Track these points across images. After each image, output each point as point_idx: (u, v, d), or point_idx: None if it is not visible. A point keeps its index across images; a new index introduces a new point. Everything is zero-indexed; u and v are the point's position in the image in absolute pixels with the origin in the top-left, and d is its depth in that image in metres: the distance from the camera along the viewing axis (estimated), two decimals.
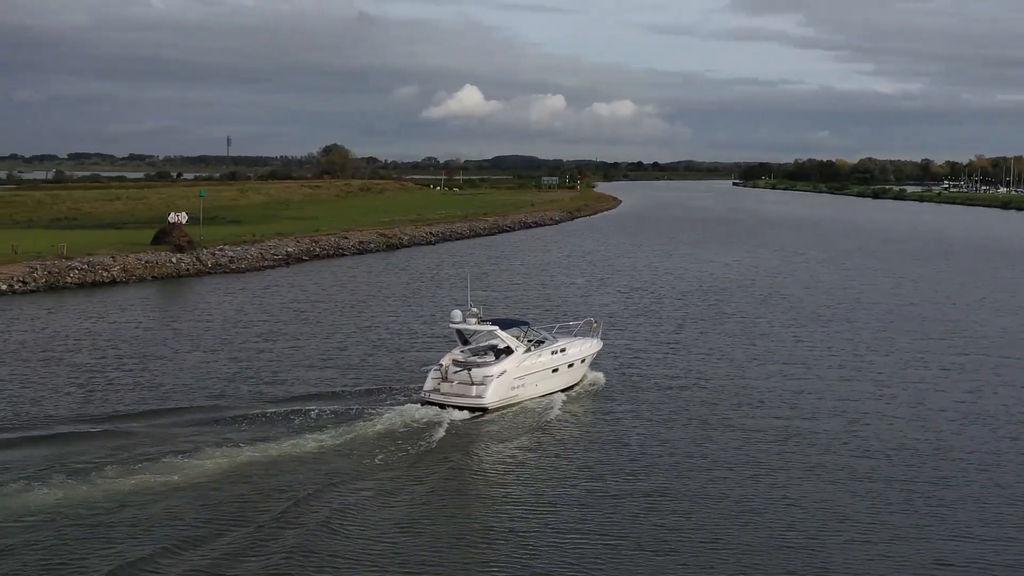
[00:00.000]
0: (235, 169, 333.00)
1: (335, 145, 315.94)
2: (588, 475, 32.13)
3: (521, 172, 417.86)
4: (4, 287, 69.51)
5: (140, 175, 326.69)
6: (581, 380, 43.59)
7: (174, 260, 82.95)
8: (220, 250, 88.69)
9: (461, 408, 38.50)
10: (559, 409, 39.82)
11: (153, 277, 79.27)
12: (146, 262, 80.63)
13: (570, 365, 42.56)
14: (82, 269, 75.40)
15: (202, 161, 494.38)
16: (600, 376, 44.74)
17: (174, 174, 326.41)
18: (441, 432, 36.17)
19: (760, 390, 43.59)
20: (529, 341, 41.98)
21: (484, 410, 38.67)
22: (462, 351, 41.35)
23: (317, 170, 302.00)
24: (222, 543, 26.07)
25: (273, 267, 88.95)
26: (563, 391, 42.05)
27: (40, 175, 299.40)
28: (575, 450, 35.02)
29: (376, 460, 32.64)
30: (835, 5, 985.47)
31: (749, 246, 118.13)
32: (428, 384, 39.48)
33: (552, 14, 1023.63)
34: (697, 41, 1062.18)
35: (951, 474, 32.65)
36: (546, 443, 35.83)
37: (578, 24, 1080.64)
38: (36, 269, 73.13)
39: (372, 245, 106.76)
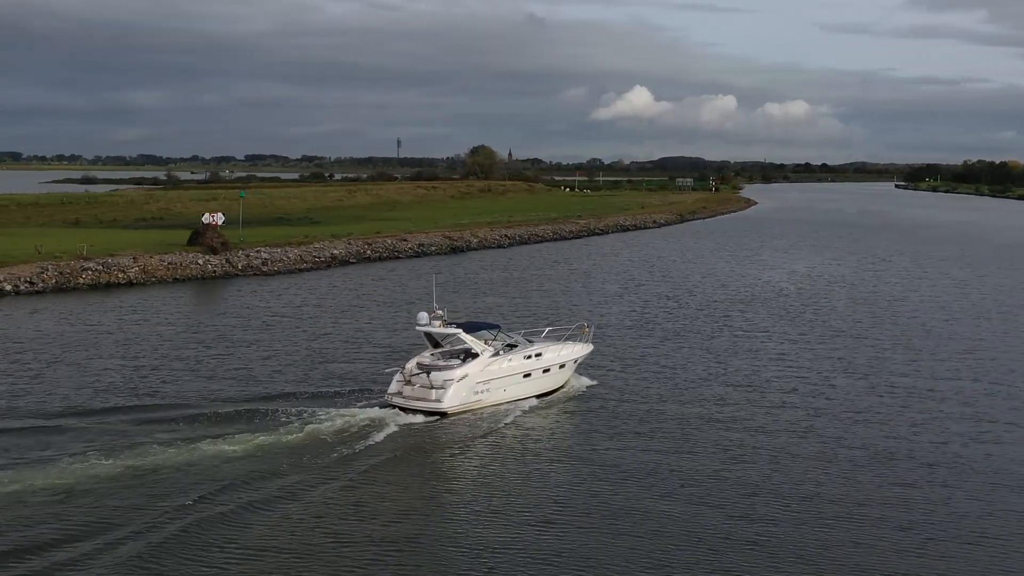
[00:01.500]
0: (387, 169, 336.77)
1: (482, 146, 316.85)
2: (532, 483, 31.15)
3: (684, 174, 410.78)
4: (8, 288, 69.79)
5: (294, 175, 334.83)
6: (563, 385, 42.72)
7: (200, 262, 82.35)
8: (256, 252, 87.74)
9: (421, 412, 38.22)
10: (524, 415, 39.15)
11: (175, 279, 78.66)
12: (169, 263, 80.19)
13: (545, 370, 41.64)
14: (96, 270, 75.28)
15: (369, 163, 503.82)
16: (585, 382, 43.82)
17: (327, 175, 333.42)
18: (385, 435, 35.77)
19: (748, 409, 40.45)
20: (506, 345, 41.43)
21: (443, 414, 38.31)
22: (432, 354, 40.95)
23: (464, 171, 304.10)
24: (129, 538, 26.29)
25: (310, 270, 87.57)
26: (539, 396, 41.25)
27: (199, 175, 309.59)
28: (523, 458, 33.84)
29: (304, 460, 32.48)
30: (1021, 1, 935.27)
31: (838, 252, 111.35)
32: (392, 387, 39.51)
33: (725, 14, 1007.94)
34: (875, 39, 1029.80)
35: None
36: (495, 449, 35.06)
37: (752, 24, 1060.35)
38: (47, 270, 73.32)
39: (433, 248, 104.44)
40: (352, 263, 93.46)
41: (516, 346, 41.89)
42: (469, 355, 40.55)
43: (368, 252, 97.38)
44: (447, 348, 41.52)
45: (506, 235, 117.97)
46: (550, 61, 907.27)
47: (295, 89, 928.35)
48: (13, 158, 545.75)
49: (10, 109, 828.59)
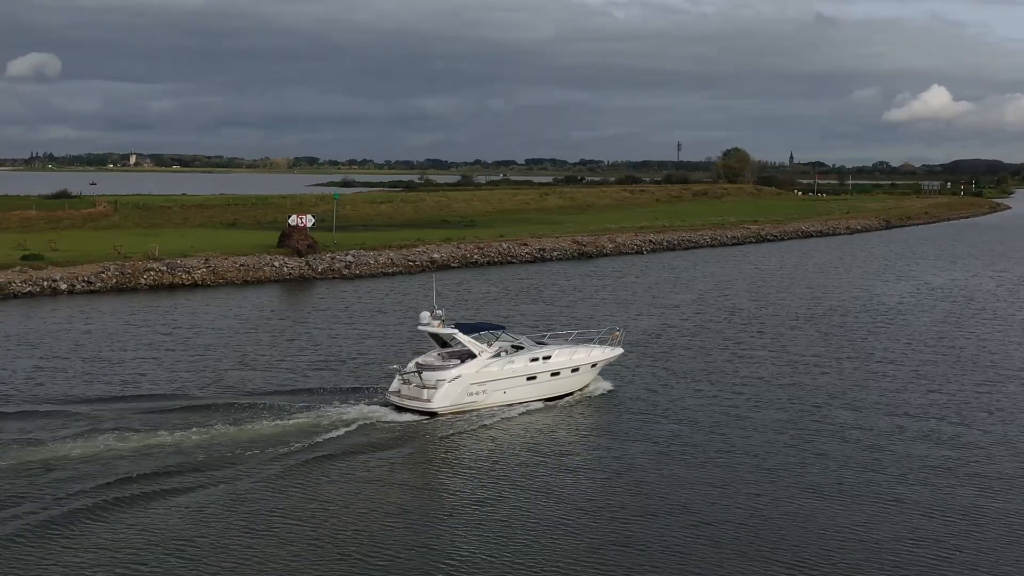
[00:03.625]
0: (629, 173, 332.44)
1: (735, 149, 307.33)
2: (506, 492, 30.17)
3: (978, 177, 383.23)
4: (64, 287, 71.25)
5: (548, 179, 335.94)
6: (579, 390, 41.86)
7: (276, 264, 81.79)
8: (342, 255, 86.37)
9: (414, 411, 38.22)
10: (517, 418, 38.59)
11: (245, 281, 78.29)
12: (240, 265, 79.92)
13: (554, 374, 40.79)
14: (159, 271, 75.87)
15: (644, 166, 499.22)
16: (605, 387, 42.74)
17: (580, 178, 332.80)
18: (352, 430, 35.95)
19: (772, 425, 37.65)
20: (512, 347, 40.73)
21: (433, 414, 38.10)
22: (439, 354, 40.81)
23: (714, 174, 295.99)
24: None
25: (400, 274, 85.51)
26: (547, 400, 40.59)
27: (452, 179, 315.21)
28: (509, 463, 32.98)
29: (280, 450, 33.24)
30: None
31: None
32: (393, 386, 39.67)
33: None
34: None
35: None
36: (469, 451, 34.59)
37: None
38: (108, 269, 74.43)
39: (555, 253, 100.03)
40: (454, 267, 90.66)
41: (522, 348, 40.88)
42: (463, 356, 40.09)
43: (475, 257, 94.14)
44: (455, 349, 40.66)
45: (650, 240, 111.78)
46: (840, 61, 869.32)
47: (578, 94, 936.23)
48: (309, 162, 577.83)
49: (312, 116, 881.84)
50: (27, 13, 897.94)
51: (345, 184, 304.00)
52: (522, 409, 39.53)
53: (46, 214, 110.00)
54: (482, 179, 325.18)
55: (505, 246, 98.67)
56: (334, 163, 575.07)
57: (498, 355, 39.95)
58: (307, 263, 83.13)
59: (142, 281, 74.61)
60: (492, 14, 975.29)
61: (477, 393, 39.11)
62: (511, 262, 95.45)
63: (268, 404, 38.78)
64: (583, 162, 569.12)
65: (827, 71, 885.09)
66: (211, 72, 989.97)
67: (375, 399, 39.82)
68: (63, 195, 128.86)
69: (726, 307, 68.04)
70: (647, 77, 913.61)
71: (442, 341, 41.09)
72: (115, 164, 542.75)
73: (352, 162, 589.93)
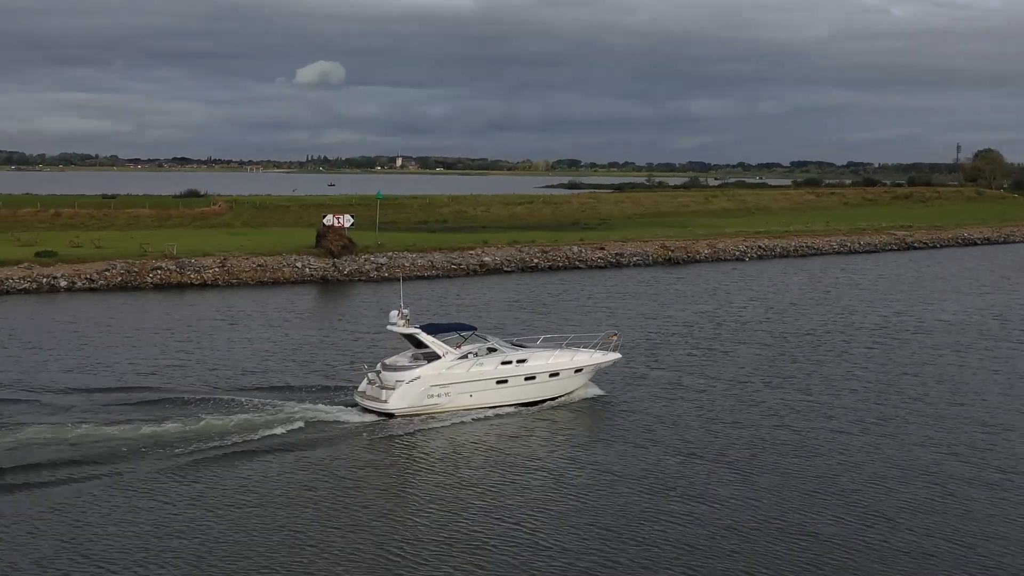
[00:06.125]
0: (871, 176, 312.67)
1: (988, 150, 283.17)
2: (443, 502, 28.73)
3: None
4: (64, 284, 71.24)
5: (783, 182, 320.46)
6: (563, 396, 39.91)
7: (299, 265, 79.19)
8: (375, 256, 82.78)
9: (373, 412, 37.53)
10: (476, 423, 36.93)
11: (260, 283, 76.12)
12: (258, 265, 77.76)
13: (528, 378, 38.95)
14: (167, 270, 74.70)
15: (914, 168, 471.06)
16: (594, 392, 40.71)
17: (823, 182, 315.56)
18: (310, 431, 35.50)
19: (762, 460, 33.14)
20: (485, 348, 39.27)
21: (390, 415, 37.28)
22: (412, 355, 39.64)
23: (960, 177, 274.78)
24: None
25: (440, 277, 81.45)
26: (523, 405, 38.85)
27: (679, 181, 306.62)
28: (436, 469, 31.87)
29: (209, 445, 33.25)
30: None
31: None
32: (361, 386, 39.11)
33: None
34: None
35: None
36: (411, 458, 33.24)
37: None
38: (115, 267, 73.91)
39: (635, 259, 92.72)
40: (507, 272, 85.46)
41: (495, 351, 39.29)
42: (430, 357, 38.98)
43: (536, 261, 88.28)
44: (428, 350, 39.14)
45: (760, 246, 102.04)
46: None
47: (852, 94, 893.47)
48: (570, 165, 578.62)
49: (580, 120, 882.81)
50: (315, 24, 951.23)
51: (571, 186, 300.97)
52: (489, 413, 37.78)
53: (157, 212, 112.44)
54: (714, 181, 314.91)
55: (576, 250, 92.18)
56: (593, 166, 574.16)
57: (466, 357, 38.30)
58: (333, 265, 79.96)
59: (148, 280, 73.54)
60: (764, 14, 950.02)
61: (439, 395, 37.76)
62: (578, 267, 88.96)
63: (226, 400, 38.71)
64: (850, 165, 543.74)
65: None
66: (485, 77, 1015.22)
67: (338, 400, 39.23)
68: (192, 194, 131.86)
69: (725, 320, 59.76)
70: (926, 76, 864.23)
71: (416, 342, 39.43)
72: (382, 167, 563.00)
73: (613, 164, 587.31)
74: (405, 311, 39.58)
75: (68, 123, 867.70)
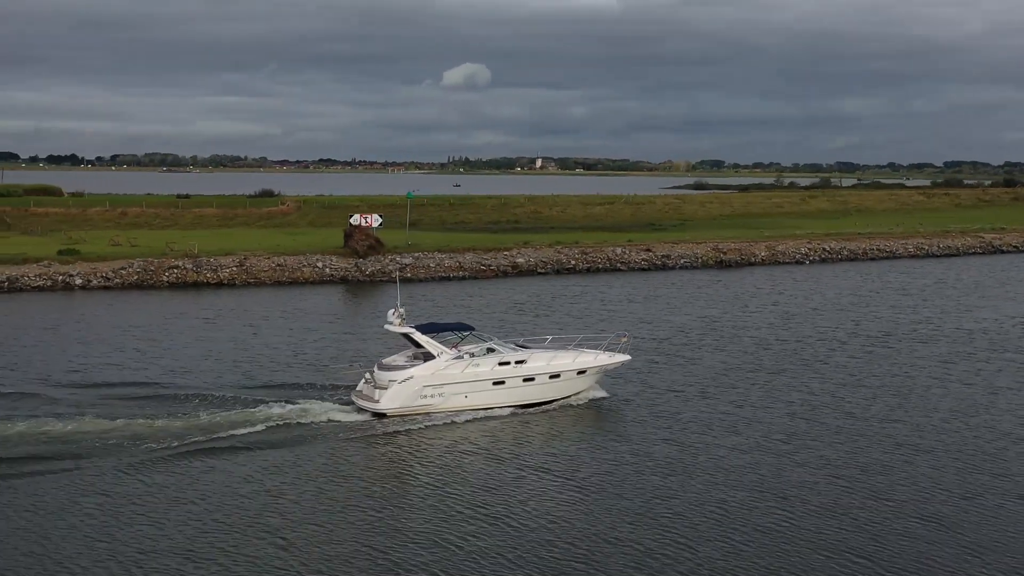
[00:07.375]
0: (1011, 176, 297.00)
1: None
2: (413, 508, 28.43)
3: None
4: (79, 282, 71.76)
5: (923, 183, 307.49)
6: (566, 397, 39.25)
7: (320, 265, 78.17)
8: (401, 256, 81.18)
9: (367, 411, 37.50)
10: (469, 424, 36.51)
11: (278, 282, 75.42)
12: (277, 265, 77.01)
13: (527, 379, 38.30)
14: (184, 269, 74.56)
15: None
16: (598, 394, 39.88)
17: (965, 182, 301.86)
18: (293, 429, 35.61)
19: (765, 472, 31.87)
20: (484, 349, 38.88)
21: (382, 415, 37.15)
22: (411, 355, 39.54)
23: None
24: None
25: (467, 279, 79.77)
26: (522, 407, 38.23)
27: (808, 181, 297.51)
28: (433, 471, 31.55)
29: (187, 440, 33.65)
30: None
31: None
32: (358, 386, 39.10)
33: None
34: None
35: None
36: (395, 461, 32.81)
37: None
38: (132, 265, 74.14)
39: (683, 261, 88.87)
40: (541, 273, 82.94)
41: (494, 351, 38.77)
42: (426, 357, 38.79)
43: (574, 263, 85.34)
44: (425, 350, 38.95)
45: (825, 249, 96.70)
46: None
47: (1010, 91, 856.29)
48: (713, 165, 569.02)
49: (724, 119, 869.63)
50: (462, 27, 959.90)
51: (697, 187, 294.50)
52: (484, 415, 37.30)
53: (224, 211, 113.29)
54: (849, 182, 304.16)
55: (618, 251, 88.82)
56: (736, 166, 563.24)
57: (462, 357, 37.89)
58: (356, 265, 78.65)
59: (164, 279, 73.50)
60: (916, 10, 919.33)
61: (432, 396, 37.39)
62: (619, 269, 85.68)
63: (218, 396, 39.18)
64: (1006, 165, 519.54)
65: None
66: (628, 77, 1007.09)
67: (336, 398, 39.24)
68: (265, 194, 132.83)
69: (725, 323, 56.19)
70: None
71: (415, 342, 39.03)
72: (522, 168, 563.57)
73: (758, 165, 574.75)
74: (401, 310, 39.19)
75: (220, 126, 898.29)
